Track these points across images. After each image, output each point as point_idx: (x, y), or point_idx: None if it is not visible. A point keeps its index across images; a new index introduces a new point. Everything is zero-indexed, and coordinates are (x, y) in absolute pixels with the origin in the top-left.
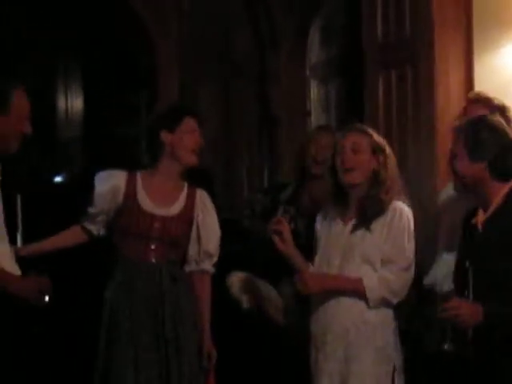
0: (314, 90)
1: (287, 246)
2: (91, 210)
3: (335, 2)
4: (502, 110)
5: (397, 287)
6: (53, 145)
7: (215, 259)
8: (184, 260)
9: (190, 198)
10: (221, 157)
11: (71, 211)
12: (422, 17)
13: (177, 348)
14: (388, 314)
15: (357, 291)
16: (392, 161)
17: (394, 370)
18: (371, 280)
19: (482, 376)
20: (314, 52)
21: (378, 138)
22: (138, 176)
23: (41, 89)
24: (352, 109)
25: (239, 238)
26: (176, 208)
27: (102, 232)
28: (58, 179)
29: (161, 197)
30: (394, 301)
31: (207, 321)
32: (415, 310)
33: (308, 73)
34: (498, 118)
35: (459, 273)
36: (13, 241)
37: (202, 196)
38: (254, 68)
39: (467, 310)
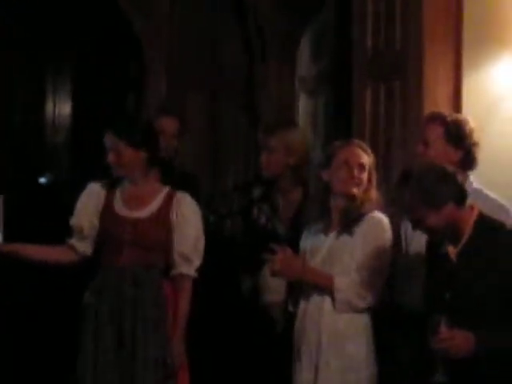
0: (303, 103)
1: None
2: (72, 221)
3: (326, 15)
4: (457, 124)
5: (364, 291)
6: (39, 149)
7: (196, 263)
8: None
9: (167, 201)
10: (208, 166)
11: (55, 212)
12: (412, 31)
13: (133, 354)
14: (360, 322)
15: (327, 288)
16: (375, 173)
17: (365, 379)
18: (342, 281)
19: None
20: (304, 65)
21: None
22: (118, 189)
23: (29, 93)
24: (340, 122)
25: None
26: (149, 210)
27: (89, 252)
28: (42, 180)
29: (135, 200)
30: (361, 305)
31: (179, 327)
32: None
33: (297, 85)
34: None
35: (432, 300)
36: None
37: (179, 199)
38: (242, 78)
39: (460, 340)
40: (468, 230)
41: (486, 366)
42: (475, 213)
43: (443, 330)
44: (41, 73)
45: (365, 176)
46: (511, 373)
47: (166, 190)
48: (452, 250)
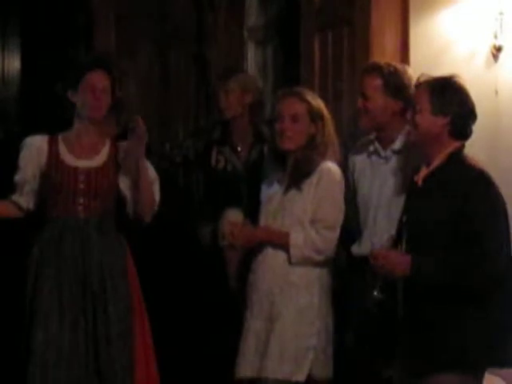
0: (252, 52)
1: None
2: (18, 177)
3: None
4: (394, 75)
5: (321, 246)
6: None
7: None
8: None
9: (114, 150)
10: (158, 115)
11: (6, 168)
12: None
13: (104, 299)
14: (313, 275)
15: (283, 245)
16: (329, 124)
17: (318, 331)
18: (298, 237)
19: (410, 328)
20: (252, 14)
21: (316, 103)
22: (60, 137)
23: None
24: (289, 71)
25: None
26: (99, 159)
27: (31, 206)
28: None
29: (83, 150)
30: (318, 259)
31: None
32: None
33: (246, 35)
34: (462, 81)
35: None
36: None
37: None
38: (191, 29)
39: (395, 260)
40: (441, 157)
41: (420, 289)
42: (456, 146)
43: (383, 249)
44: None
45: (300, 126)
46: (441, 299)
47: (108, 140)
48: (422, 173)
